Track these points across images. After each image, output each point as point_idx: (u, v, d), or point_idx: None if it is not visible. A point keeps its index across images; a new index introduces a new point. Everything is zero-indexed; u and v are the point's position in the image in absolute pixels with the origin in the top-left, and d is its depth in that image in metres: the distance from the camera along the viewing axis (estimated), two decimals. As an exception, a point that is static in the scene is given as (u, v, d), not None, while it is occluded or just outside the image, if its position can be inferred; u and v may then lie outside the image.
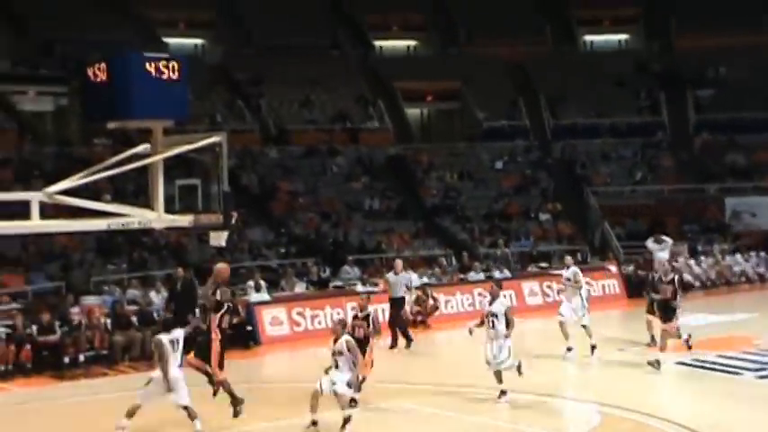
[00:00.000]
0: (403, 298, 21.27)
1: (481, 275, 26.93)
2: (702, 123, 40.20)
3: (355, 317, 16.01)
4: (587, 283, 26.62)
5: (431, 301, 24.22)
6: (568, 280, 19.85)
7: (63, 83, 33.65)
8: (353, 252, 30.23)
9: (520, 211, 35.43)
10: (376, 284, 25.39)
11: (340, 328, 14.06)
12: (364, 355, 14.59)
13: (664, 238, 27.92)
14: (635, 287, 26.59)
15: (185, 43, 41.99)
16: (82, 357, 19.74)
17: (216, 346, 14.34)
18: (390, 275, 21.91)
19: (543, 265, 30.06)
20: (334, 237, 31.80)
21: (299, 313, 22.71)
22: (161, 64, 12.29)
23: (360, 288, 24.89)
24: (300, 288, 25.70)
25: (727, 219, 35.35)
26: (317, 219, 32.82)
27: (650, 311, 19.28)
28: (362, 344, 14.70)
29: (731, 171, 37.70)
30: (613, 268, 28.59)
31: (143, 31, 39.77)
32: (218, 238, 14.21)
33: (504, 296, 16.66)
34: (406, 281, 21.57)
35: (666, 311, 17.73)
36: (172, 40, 40.44)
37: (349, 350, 13.72)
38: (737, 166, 37.92)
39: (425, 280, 25.77)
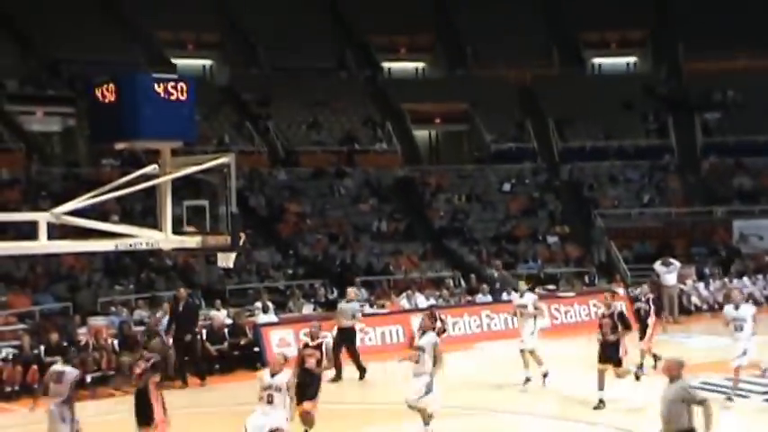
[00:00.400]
0: (353, 328, 20.68)
1: (489, 298, 26.88)
2: (710, 146, 40.19)
3: (306, 345, 15.74)
4: (594, 305, 26.95)
5: (438, 323, 24.10)
6: (524, 307, 19.03)
7: (70, 103, 33.81)
8: (361, 274, 30.23)
9: (527, 233, 35.40)
10: (383, 306, 25.38)
11: (282, 361, 13.39)
12: (317, 387, 14.23)
13: (671, 260, 27.93)
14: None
15: (193, 64, 42.15)
16: (89, 378, 19.67)
17: None
18: (342, 303, 21.35)
19: (551, 287, 30.01)
20: (342, 258, 31.80)
21: (306, 335, 22.60)
22: (169, 85, 12.30)
23: (367, 310, 24.87)
24: (308, 310, 25.68)
25: (735, 242, 35.26)
26: (325, 240, 32.83)
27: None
28: (311, 374, 14.29)
29: (738, 194, 37.66)
30: (621, 290, 28.48)
31: (151, 52, 39.95)
32: (226, 260, 14.19)
33: (435, 329, 15.94)
34: (354, 310, 20.93)
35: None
36: (180, 61, 40.59)
37: (288, 388, 13.03)
38: (745, 189, 37.88)
39: (433, 302, 25.72)
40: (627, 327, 16.92)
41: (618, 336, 16.52)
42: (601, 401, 16.16)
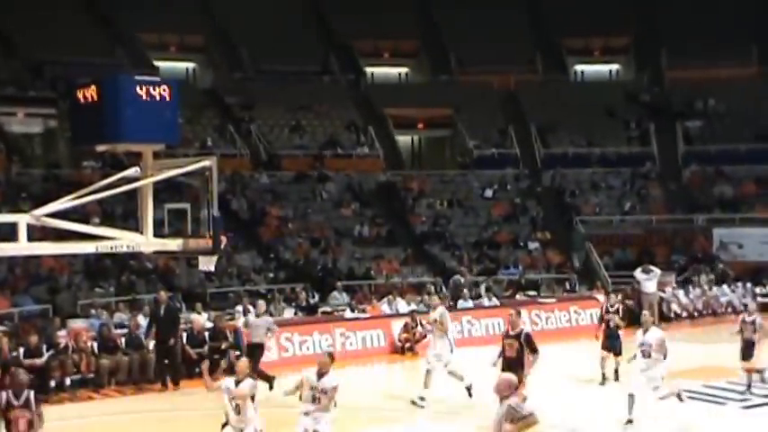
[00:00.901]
0: (262, 344, 19.61)
1: (470, 303, 26.91)
2: (691, 154, 40.38)
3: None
4: (575, 311, 27.06)
5: (419, 329, 24.17)
6: (435, 321, 18.26)
7: (52, 104, 33.66)
8: (342, 278, 30.20)
9: (509, 239, 35.47)
10: (364, 311, 25.38)
11: (328, 361, 13.01)
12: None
13: (651, 268, 28.05)
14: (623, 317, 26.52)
15: (176, 67, 42.07)
16: (68, 381, 19.63)
17: None
18: (251, 317, 20.18)
19: (531, 293, 30.10)
20: (323, 263, 31.79)
21: (287, 339, 22.64)
22: (152, 87, 12.28)
23: (348, 314, 24.89)
24: (289, 313, 25.66)
25: (715, 249, 35.43)
26: (307, 244, 32.81)
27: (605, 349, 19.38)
28: None
29: (719, 202, 37.84)
30: (601, 297, 28.57)
31: (134, 55, 39.84)
32: (207, 263, 14.18)
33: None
34: (267, 324, 19.78)
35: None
36: (163, 64, 40.51)
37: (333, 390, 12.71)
38: (725, 197, 38.07)
39: (414, 307, 25.74)
40: (533, 350, 15.14)
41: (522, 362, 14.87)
42: None
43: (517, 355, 14.88)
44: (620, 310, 19.97)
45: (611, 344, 19.30)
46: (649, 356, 14.92)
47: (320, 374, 12.80)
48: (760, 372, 18.53)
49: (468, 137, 40.83)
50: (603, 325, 19.70)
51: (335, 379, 12.89)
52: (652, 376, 14.88)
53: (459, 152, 41.83)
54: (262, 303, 20.43)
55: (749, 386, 18.19)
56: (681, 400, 15.85)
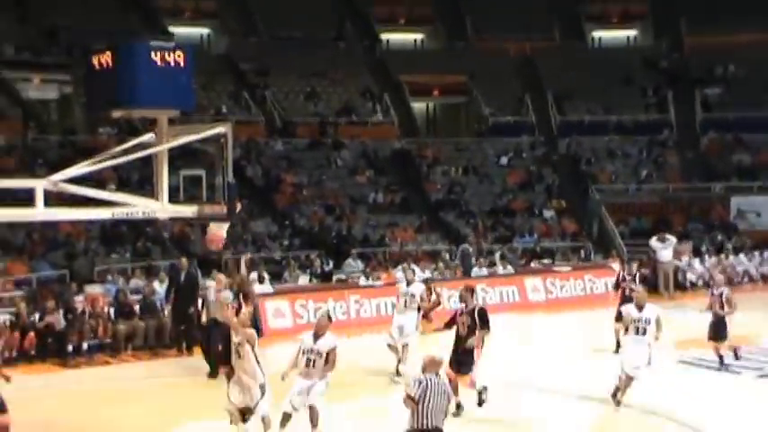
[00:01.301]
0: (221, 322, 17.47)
1: (484, 271, 26.91)
2: (709, 122, 40.10)
3: None
4: (590, 280, 27.01)
5: (433, 296, 24.15)
6: (412, 296, 17.84)
7: (67, 70, 33.64)
8: (357, 245, 30.23)
9: (524, 207, 35.40)
10: (378, 278, 25.40)
11: (326, 323, 13.06)
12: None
13: (667, 236, 27.96)
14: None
15: (191, 33, 41.94)
16: (85, 345, 19.75)
17: None
18: (210, 293, 18.63)
19: (546, 261, 30.07)
20: (338, 230, 31.81)
21: (301, 306, 22.69)
22: (166, 53, 12.25)
23: (362, 282, 24.92)
24: (303, 280, 25.72)
25: (732, 218, 35.28)
26: (321, 211, 32.82)
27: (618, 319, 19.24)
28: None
29: (737, 170, 37.62)
30: (616, 266, 28.50)
31: (148, 20, 39.75)
32: (222, 230, 14.19)
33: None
34: (227, 300, 17.68)
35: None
36: (177, 30, 40.39)
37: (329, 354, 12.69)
38: (743, 165, 37.85)
39: (428, 274, 25.75)
40: (485, 325, 14.40)
41: (474, 339, 14.19)
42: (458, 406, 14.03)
43: (468, 333, 14.26)
44: (637, 278, 19.83)
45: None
46: (644, 333, 14.44)
47: (317, 336, 12.83)
48: (735, 350, 17.95)
49: (483, 104, 40.66)
50: (620, 292, 19.64)
51: (333, 341, 12.89)
52: (644, 353, 14.40)
53: (474, 119, 41.68)
54: (222, 277, 18.91)
55: (722, 363, 17.48)
56: None
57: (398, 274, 26.11)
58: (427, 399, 9.74)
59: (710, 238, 33.36)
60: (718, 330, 17.64)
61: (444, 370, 11.69)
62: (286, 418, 12.67)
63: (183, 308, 19.95)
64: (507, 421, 14.23)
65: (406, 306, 17.80)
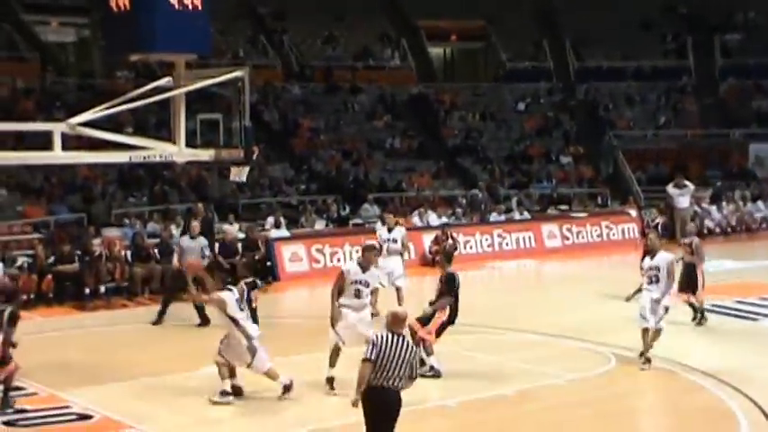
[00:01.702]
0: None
1: (502, 217, 26.95)
2: (729, 68, 39.77)
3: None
4: (606, 226, 27.02)
5: (450, 241, 24.23)
6: (394, 242, 17.91)
7: (85, 13, 33.52)
8: (374, 190, 30.24)
9: (541, 153, 35.31)
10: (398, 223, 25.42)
11: (373, 257, 12.97)
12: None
13: (685, 182, 27.83)
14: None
15: (208, -24, 41.56)
16: (102, 289, 19.92)
17: None
18: (185, 239, 18.29)
19: (563, 207, 30.05)
20: (355, 175, 31.80)
21: (318, 250, 22.80)
22: (184, -4, 12.22)
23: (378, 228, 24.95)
24: (320, 225, 25.81)
25: (750, 165, 35.10)
26: (338, 156, 32.80)
27: None
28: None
29: (756, 117, 37.36)
30: (633, 212, 28.50)
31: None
32: (239, 174, 14.25)
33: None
34: (202, 245, 18.02)
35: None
36: (195, -27, 40.02)
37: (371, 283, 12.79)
38: (763, 111, 37.57)
39: (445, 220, 25.80)
40: (450, 291, 13.52)
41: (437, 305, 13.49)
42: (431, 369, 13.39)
43: (436, 299, 13.67)
44: (660, 227, 19.70)
45: None
46: (657, 281, 14.02)
47: (364, 268, 12.77)
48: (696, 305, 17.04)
49: (501, 49, 40.38)
50: (645, 240, 19.58)
51: (378, 273, 13.23)
52: (658, 300, 13.92)
53: (491, 65, 41.41)
54: (196, 224, 18.61)
55: (701, 315, 16.86)
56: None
57: (415, 219, 26.21)
58: (381, 358, 9.20)
59: (729, 185, 33.21)
60: (688, 281, 16.85)
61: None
62: (336, 353, 12.61)
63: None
64: (508, 369, 14.28)
65: (389, 252, 17.76)
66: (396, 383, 9.26)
